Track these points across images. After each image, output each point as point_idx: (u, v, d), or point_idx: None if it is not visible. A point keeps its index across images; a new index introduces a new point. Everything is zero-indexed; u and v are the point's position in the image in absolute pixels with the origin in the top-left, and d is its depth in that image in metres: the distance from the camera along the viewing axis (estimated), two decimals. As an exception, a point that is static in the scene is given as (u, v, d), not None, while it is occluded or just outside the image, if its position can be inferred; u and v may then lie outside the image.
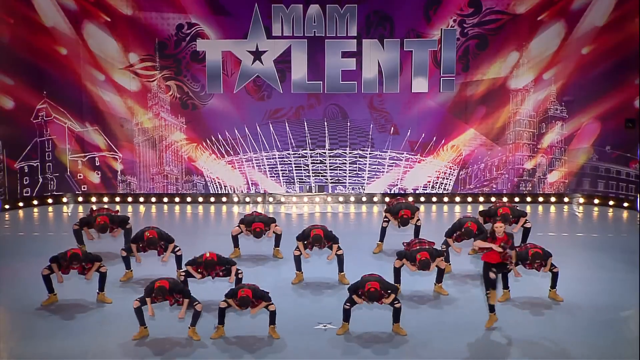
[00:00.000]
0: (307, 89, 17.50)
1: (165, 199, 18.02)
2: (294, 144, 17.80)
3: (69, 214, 17.33)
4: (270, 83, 17.48)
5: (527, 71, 17.36)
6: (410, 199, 17.06)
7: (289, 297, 12.25)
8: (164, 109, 17.59)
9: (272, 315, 10.85)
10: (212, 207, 17.57)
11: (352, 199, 17.79)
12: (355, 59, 17.29)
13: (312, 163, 17.90)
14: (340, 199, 17.80)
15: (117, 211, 14.38)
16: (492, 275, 10.84)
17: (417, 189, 17.81)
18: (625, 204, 17.31)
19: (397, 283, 12.13)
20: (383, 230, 14.05)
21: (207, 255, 11.59)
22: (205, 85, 17.46)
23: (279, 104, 17.60)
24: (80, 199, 17.97)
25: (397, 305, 10.78)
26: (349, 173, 17.92)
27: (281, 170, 17.85)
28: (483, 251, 11.03)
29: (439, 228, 16.08)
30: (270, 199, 17.57)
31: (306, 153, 17.86)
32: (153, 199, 18.01)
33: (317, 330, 11.12)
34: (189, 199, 18.03)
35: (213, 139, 17.69)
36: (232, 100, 17.55)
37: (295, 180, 17.91)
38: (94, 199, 17.94)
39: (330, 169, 17.93)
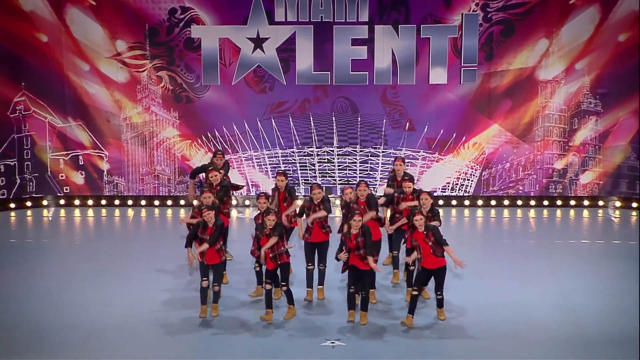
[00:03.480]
0: (313, 80, 17.49)
1: (157, 202, 18.02)
2: (298, 141, 17.79)
3: (50, 218, 17.34)
4: (273, 74, 17.47)
5: (558, 60, 17.33)
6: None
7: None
8: (155, 103, 17.59)
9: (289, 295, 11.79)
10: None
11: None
12: (366, 47, 17.28)
13: (318, 162, 17.89)
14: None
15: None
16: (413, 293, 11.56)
17: (435, 191, 17.77)
18: (667, 208, 17.32)
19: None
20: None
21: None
22: (200, 76, 17.46)
23: (282, 96, 17.59)
24: (62, 201, 17.98)
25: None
26: (360, 173, 17.90)
27: (284, 170, 17.83)
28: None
29: (459, 235, 16.10)
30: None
31: (312, 151, 17.85)
32: (143, 202, 18.01)
33: (324, 348, 11.15)
34: (182, 202, 18.02)
35: (209, 135, 17.69)
36: (230, 92, 17.54)
37: (300, 182, 17.89)
38: (77, 202, 17.94)
39: (338, 169, 17.92)
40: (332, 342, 11.24)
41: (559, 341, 11.28)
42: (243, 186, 14.53)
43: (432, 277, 11.69)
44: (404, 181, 12.89)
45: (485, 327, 11.71)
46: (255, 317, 11.91)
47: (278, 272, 11.76)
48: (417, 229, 11.53)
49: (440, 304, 11.77)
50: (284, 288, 11.78)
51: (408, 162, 17.66)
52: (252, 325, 11.72)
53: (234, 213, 17.29)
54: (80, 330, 11.60)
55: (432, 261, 11.51)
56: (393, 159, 13.56)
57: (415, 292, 11.58)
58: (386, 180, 14.08)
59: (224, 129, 17.65)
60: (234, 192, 14.14)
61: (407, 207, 12.32)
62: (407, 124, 17.71)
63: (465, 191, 17.93)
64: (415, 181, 13.19)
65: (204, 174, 14.14)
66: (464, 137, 17.66)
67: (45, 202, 17.98)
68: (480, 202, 17.97)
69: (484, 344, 11.21)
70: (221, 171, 13.51)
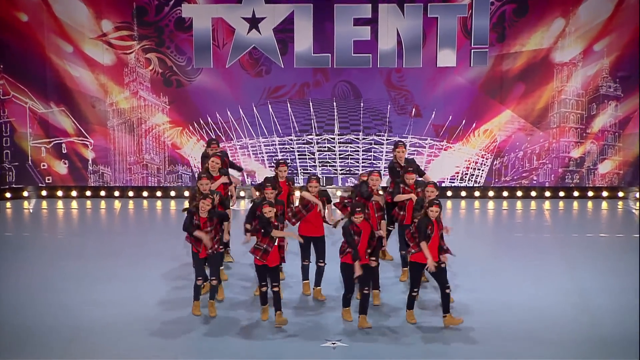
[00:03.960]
0: (312, 62, 17.47)
1: (145, 193, 18.01)
2: (297, 128, 17.78)
3: (31, 210, 17.34)
4: (269, 56, 17.44)
5: (575, 41, 17.30)
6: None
7: (290, 310, 12.26)
8: (143, 87, 17.56)
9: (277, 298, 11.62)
10: (200, 203, 17.59)
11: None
12: (369, 27, 17.26)
13: (318, 151, 17.88)
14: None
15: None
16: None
17: (443, 182, 17.77)
18: (691, 200, 17.33)
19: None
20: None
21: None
22: (192, 58, 17.44)
23: (279, 80, 17.57)
24: (43, 192, 17.97)
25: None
26: (363, 162, 17.89)
27: (282, 159, 17.79)
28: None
29: (468, 229, 16.09)
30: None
31: (312, 139, 17.84)
32: (130, 193, 18.01)
33: (325, 349, 11.16)
34: (173, 193, 18.03)
35: (201, 122, 17.67)
36: (223, 76, 17.52)
37: (299, 171, 17.88)
38: (60, 193, 17.93)
39: (340, 158, 17.90)
40: (333, 343, 11.25)
41: (575, 343, 11.27)
42: (242, 169, 14.45)
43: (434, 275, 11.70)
44: (407, 173, 12.70)
45: (496, 327, 11.69)
46: (253, 316, 11.92)
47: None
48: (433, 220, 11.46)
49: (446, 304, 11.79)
50: (275, 289, 11.71)
51: (414, 151, 17.64)
52: (249, 325, 11.72)
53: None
54: (63, 332, 11.58)
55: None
56: (393, 145, 13.40)
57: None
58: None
59: (217, 115, 17.63)
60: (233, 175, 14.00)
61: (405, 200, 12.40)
62: (413, 109, 17.69)
63: (475, 182, 17.92)
64: (417, 170, 13.10)
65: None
66: (474, 124, 17.64)
67: (25, 194, 17.97)
68: (491, 194, 17.96)
69: (494, 345, 11.21)
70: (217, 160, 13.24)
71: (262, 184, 12.18)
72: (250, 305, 12.32)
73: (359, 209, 11.32)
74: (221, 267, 12.59)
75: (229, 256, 13.85)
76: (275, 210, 11.56)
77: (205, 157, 13.69)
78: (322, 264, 12.58)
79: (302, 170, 17.87)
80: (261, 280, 11.70)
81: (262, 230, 11.46)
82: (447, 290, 11.58)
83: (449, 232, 11.66)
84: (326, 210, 12.50)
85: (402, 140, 13.74)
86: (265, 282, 11.71)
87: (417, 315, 11.92)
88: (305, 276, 12.66)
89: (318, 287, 12.64)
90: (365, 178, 12.45)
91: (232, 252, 13.93)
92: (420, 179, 12.91)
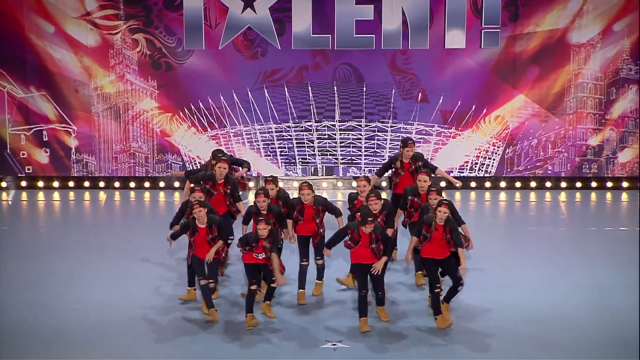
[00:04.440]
0: (312, 44, 17.45)
1: (132, 184, 18.00)
2: (295, 115, 17.75)
3: (10, 202, 17.33)
4: (265, 37, 17.41)
5: (593, 21, 17.27)
6: (443, 184, 17.04)
7: (289, 310, 12.28)
8: (130, 70, 17.54)
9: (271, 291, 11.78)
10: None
11: (369, 184, 17.75)
12: (372, 6, 17.23)
13: (318, 139, 17.85)
14: (354, 184, 17.74)
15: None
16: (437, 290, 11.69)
17: (452, 172, 17.74)
18: None
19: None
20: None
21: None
22: (182, 39, 17.40)
23: (276, 63, 17.55)
24: (23, 183, 17.95)
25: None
26: (365, 151, 17.87)
27: (279, 148, 17.81)
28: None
29: (478, 222, 16.08)
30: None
31: (311, 126, 17.82)
32: (117, 184, 17.99)
33: (325, 350, 11.18)
34: (162, 184, 18.02)
35: (192, 107, 17.65)
36: (216, 58, 17.49)
37: (297, 161, 17.87)
38: (41, 184, 17.90)
39: (341, 146, 17.88)
40: (334, 344, 11.29)
41: (595, 345, 11.27)
42: (247, 162, 14.13)
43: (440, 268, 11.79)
44: (420, 173, 12.65)
45: (508, 328, 11.70)
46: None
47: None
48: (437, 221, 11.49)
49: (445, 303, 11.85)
50: (274, 284, 11.80)
51: (420, 139, 17.62)
52: (240, 326, 11.71)
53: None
54: (44, 332, 11.58)
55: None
56: (400, 143, 13.37)
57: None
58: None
59: (210, 100, 17.60)
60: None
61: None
62: (420, 94, 17.67)
63: (486, 171, 17.91)
64: (427, 166, 13.18)
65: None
66: (485, 110, 17.63)
67: (4, 184, 17.94)
68: (503, 184, 17.95)
69: (505, 347, 11.22)
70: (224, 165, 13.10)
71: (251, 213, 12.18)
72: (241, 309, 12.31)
73: (371, 219, 11.34)
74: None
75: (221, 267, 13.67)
76: (269, 228, 11.58)
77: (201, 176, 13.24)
78: (321, 261, 12.60)
79: (300, 159, 17.84)
80: (251, 278, 11.67)
81: (247, 247, 11.60)
82: (460, 288, 11.67)
83: (470, 246, 11.70)
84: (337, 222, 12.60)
85: (412, 139, 13.69)
86: (255, 279, 11.68)
87: (422, 316, 11.91)
88: (301, 284, 12.56)
89: (319, 281, 12.69)
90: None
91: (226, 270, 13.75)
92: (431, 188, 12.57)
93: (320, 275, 12.71)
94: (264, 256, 11.55)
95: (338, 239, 11.69)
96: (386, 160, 13.93)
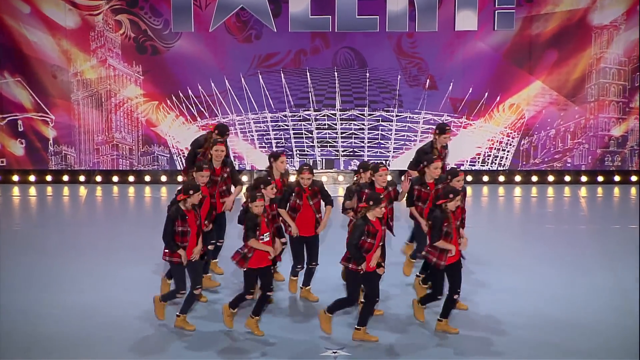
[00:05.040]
0: (310, 26, 17.47)
1: (115, 178, 18.01)
2: (292, 103, 17.77)
3: (-17, 198, 17.39)
4: (260, 18, 17.42)
5: (616, 0, 17.28)
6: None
7: (288, 315, 12.32)
8: (113, 54, 17.55)
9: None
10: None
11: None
12: (377, -16, 17.28)
13: (317, 129, 17.87)
14: (356, 178, 17.72)
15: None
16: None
17: (462, 165, 17.76)
18: None
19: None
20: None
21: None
22: (169, 20, 17.41)
23: (271, 47, 17.56)
24: (-3, 177, 18.01)
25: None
26: (368, 142, 17.89)
27: (275, 139, 17.81)
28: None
29: (491, 218, 16.08)
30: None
31: (309, 115, 17.83)
32: (98, 178, 18.00)
33: (325, 358, 11.24)
34: (147, 178, 18.03)
35: (181, 95, 17.66)
36: (207, 41, 17.50)
37: (295, 153, 17.88)
38: (16, 178, 17.91)
39: (342, 137, 17.89)
40: (334, 352, 11.32)
41: (617, 352, 11.28)
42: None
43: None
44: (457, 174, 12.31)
45: (523, 335, 11.72)
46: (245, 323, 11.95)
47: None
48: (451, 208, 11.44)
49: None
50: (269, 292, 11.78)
51: (428, 129, 17.63)
52: (243, 332, 11.74)
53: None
54: (19, 338, 11.60)
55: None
56: (437, 129, 13.37)
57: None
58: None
59: (200, 87, 17.61)
60: None
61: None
62: (428, 81, 17.68)
63: (499, 164, 17.93)
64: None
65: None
66: (499, 97, 17.66)
67: (-24, 179, 17.99)
68: (518, 178, 17.98)
69: (520, 356, 11.22)
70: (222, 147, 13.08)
71: (256, 185, 12.04)
72: (242, 310, 12.32)
73: (381, 202, 11.23)
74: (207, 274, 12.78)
75: (217, 267, 13.69)
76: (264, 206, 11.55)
77: (198, 143, 13.37)
78: (314, 265, 12.65)
79: (298, 151, 17.86)
80: (249, 287, 11.67)
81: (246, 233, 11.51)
82: (456, 296, 11.61)
83: (464, 245, 11.69)
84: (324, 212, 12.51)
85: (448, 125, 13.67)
86: (254, 289, 11.68)
87: (428, 322, 11.95)
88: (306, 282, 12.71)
89: (307, 287, 12.72)
90: (361, 178, 12.42)
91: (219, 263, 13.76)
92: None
93: (307, 281, 12.72)
94: (269, 238, 11.54)
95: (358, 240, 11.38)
96: (419, 151, 13.59)
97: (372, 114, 17.82)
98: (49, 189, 17.72)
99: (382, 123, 17.82)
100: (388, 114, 17.80)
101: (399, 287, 13.03)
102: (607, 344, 11.50)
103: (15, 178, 17.95)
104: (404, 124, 17.77)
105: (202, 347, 11.42)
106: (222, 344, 11.51)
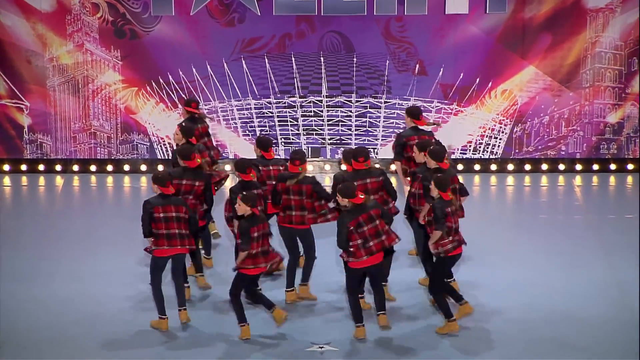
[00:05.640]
0: (295, 9, 17.45)
1: (93, 167, 17.95)
2: (276, 89, 17.74)
3: (-45, 188, 17.30)
4: (243, 1, 17.42)
5: (612, -17, 17.33)
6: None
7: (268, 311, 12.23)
8: (90, 38, 17.48)
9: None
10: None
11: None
12: (364, -35, 17.25)
13: (302, 116, 17.81)
14: (343, 167, 17.68)
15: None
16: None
17: (454, 153, 17.72)
18: None
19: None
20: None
21: None
22: (149, 3, 17.38)
23: (255, 31, 17.53)
24: (-30, 167, 17.92)
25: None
26: (356, 130, 17.85)
27: (259, 126, 17.74)
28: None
29: (483, 209, 16.07)
30: None
31: (294, 102, 17.78)
32: (75, 167, 17.95)
33: (311, 354, 11.20)
34: (127, 167, 17.98)
35: (161, 81, 17.62)
36: (188, 25, 17.46)
37: (279, 141, 17.82)
38: (-10, 168, 17.87)
39: (328, 125, 17.83)
40: (321, 347, 11.30)
41: (614, 346, 11.29)
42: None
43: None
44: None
45: (517, 329, 11.71)
46: (227, 319, 11.92)
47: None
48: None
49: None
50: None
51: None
52: (224, 327, 11.72)
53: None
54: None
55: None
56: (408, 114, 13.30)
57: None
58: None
59: (180, 72, 17.57)
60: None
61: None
62: (417, 66, 17.66)
63: (491, 153, 17.92)
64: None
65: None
66: (490, 83, 17.66)
67: (-52, 168, 17.90)
68: (510, 167, 17.97)
69: (515, 350, 11.22)
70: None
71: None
72: (224, 303, 12.30)
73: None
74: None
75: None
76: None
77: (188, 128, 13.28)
78: (312, 260, 12.56)
79: (282, 139, 17.80)
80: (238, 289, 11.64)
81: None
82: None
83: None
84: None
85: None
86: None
87: (424, 316, 11.92)
88: (290, 282, 12.51)
89: (305, 285, 12.59)
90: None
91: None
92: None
93: (306, 277, 12.60)
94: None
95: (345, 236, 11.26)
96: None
97: (360, 101, 17.78)
98: (24, 178, 17.68)
99: (370, 110, 17.78)
100: (376, 100, 17.77)
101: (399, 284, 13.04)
102: (604, 338, 11.50)
103: (-11, 168, 17.91)
104: (393, 111, 17.75)
105: (180, 342, 11.42)
106: (209, 342, 11.47)
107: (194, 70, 17.59)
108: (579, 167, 17.89)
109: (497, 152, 17.95)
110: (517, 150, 17.92)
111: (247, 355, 11.16)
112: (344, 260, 11.25)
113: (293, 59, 17.68)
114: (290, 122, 17.87)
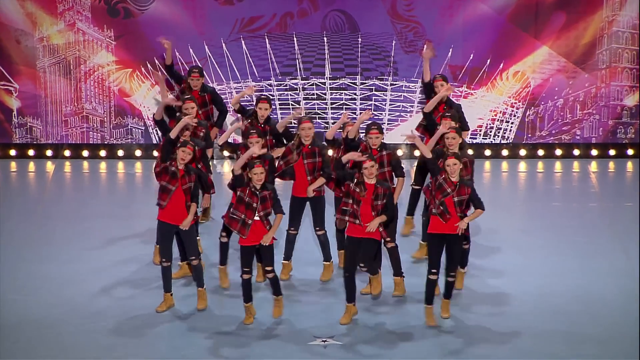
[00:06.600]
0: (297, -14, 17.46)
1: (86, 153, 17.99)
2: (278, 71, 17.77)
3: (-59, 175, 17.34)
4: (242, -22, 17.42)
5: (630, -42, 17.37)
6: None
7: (272, 302, 12.22)
8: (82, 17, 17.51)
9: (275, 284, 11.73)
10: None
11: (365, 152, 17.79)
12: (369, -60, 17.26)
13: (305, 99, 17.84)
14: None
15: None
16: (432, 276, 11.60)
17: (464, 138, 17.72)
18: None
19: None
20: (413, 198, 13.96)
21: None
22: (143, -19, 17.40)
23: (255, 9, 17.58)
24: (-43, 152, 17.96)
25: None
26: (360, 113, 17.87)
27: (259, 110, 17.82)
28: None
29: (494, 196, 16.10)
30: None
31: (296, 84, 17.80)
32: (67, 152, 17.99)
33: (313, 347, 11.22)
34: (121, 153, 18.01)
35: (156, 62, 17.65)
36: (184, 4, 17.52)
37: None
38: (-23, 153, 17.91)
39: (332, 108, 17.84)
40: (324, 341, 11.33)
41: (629, 339, 11.26)
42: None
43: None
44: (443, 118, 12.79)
45: (528, 321, 11.72)
46: (222, 307, 11.96)
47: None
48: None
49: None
50: (270, 275, 11.72)
51: (425, 99, 17.57)
52: (222, 318, 11.74)
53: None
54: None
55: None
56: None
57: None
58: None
59: (177, 53, 17.58)
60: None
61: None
62: (425, 46, 17.62)
63: (503, 137, 17.95)
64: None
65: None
66: (502, 64, 17.70)
67: None
68: (523, 152, 18.01)
69: (526, 343, 11.22)
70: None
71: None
72: (224, 292, 12.34)
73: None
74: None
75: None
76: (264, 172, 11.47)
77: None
78: (322, 233, 12.58)
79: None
80: (245, 265, 11.60)
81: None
82: (451, 279, 11.63)
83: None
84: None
85: None
86: (249, 267, 11.62)
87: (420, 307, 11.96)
88: (287, 254, 12.67)
89: (326, 262, 12.69)
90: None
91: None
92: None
93: (326, 255, 12.67)
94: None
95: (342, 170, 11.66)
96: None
97: (365, 83, 17.81)
98: (13, 164, 17.73)
99: (376, 92, 17.82)
100: (382, 82, 17.79)
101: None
102: (619, 330, 11.50)
103: (-24, 153, 17.95)
104: (399, 94, 17.76)
105: (177, 333, 11.43)
106: (206, 332, 11.48)
107: (190, 51, 17.62)
108: (594, 152, 17.91)
109: (509, 137, 17.97)
110: (529, 135, 17.94)
111: (249, 350, 11.15)
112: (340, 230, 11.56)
113: (295, 39, 17.70)
114: (292, 105, 17.89)
